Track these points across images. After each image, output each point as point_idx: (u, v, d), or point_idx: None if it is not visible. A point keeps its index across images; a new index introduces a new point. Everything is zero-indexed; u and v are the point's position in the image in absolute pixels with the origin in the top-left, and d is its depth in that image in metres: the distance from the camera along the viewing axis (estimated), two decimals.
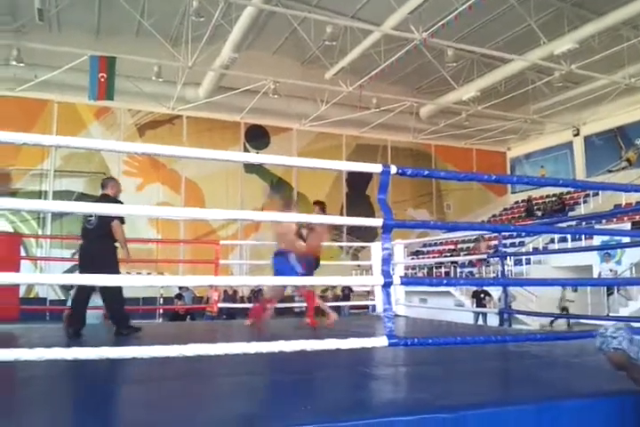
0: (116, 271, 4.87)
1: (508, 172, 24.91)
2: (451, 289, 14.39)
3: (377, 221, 2.91)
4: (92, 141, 2.60)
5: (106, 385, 2.93)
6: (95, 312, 6.68)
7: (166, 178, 18.57)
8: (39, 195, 17.24)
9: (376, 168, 2.84)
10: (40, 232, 17.02)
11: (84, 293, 4.96)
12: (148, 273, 14.00)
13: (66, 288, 12.96)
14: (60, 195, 17.29)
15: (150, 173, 18.21)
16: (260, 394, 2.70)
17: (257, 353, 2.49)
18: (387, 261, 2.91)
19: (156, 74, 14.92)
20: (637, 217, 14.11)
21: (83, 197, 17.55)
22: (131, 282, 2.77)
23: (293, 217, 3.85)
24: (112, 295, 4.89)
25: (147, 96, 17.14)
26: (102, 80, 13.83)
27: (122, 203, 5.04)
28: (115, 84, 14.04)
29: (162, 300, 14.79)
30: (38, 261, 15.78)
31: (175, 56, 14.84)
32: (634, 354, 2.37)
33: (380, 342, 2.78)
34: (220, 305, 7.79)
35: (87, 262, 4.92)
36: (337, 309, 11.81)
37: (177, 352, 2.43)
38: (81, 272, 4.81)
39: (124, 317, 5.02)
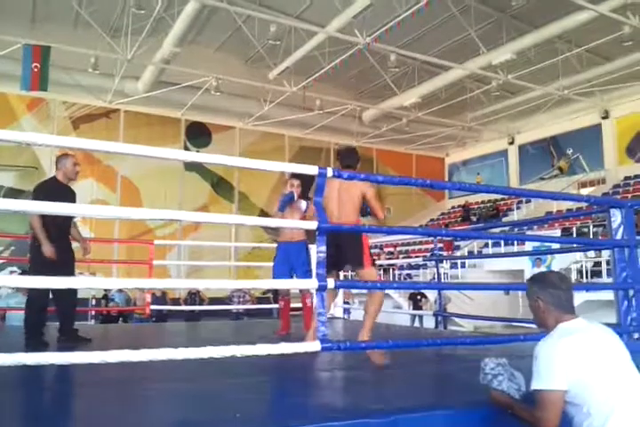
0: (34, 270, 4.16)
1: (446, 177, 25.51)
2: (390, 291, 14.56)
3: (312, 224, 2.88)
4: (25, 135, 2.43)
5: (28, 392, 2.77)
6: (19, 314, 6.42)
7: (101, 174, 17.97)
8: None
9: (312, 170, 2.80)
10: None
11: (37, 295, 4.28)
12: (80, 273, 13.52)
13: None
14: None
15: (84, 168, 17.27)
16: (188, 401, 2.61)
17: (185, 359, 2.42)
18: (321, 264, 2.88)
19: (93, 66, 14.42)
20: (567, 224, 14.67)
21: (12, 191, 16.78)
22: (67, 284, 2.63)
23: (232, 219, 3.77)
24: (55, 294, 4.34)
25: (83, 88, 16.58)
26: (36, 70, 13.23)
27: (65, 189, 4.43)
28: (49, 75, 13.48)
29: (94, 301, 14.33)
30: None
31: (114, 48, 14.40)
32: (515, 393, 2.24)
33: (313, 346, 2.75)
34: (152, 307, 7.59)
35: None
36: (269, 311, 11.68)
37: (99, 359, 2.32)
38: None
39: (27, 325, 4.28)
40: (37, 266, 4.18)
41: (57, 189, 4.37)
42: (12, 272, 15.58)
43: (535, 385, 2.03)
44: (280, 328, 5.42)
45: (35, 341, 4.12)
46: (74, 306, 4.60)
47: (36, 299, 4.27)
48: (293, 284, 3.76)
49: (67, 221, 4.41)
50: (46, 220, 4.15)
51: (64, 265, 4.23)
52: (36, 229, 4.14)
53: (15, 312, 6.24)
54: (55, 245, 4.19)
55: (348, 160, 4.09)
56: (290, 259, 5.18)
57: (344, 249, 3.62)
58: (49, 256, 4.12)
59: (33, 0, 14.75)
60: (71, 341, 4.33)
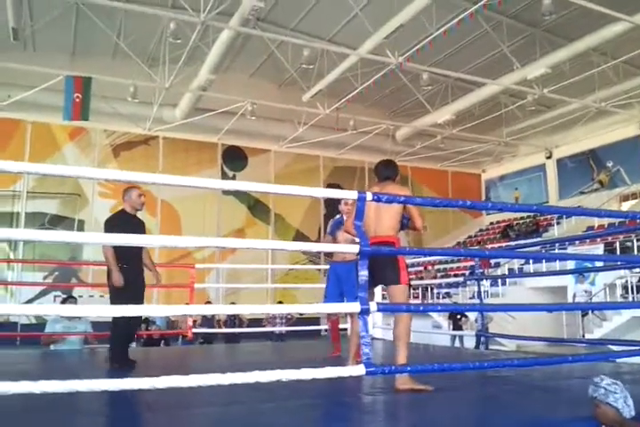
0: (114, 298, 4.54)
1: (483, 193, 25.23)
2: None
3: (353, 248, 2.89)
4: (69, 169, 2.54)
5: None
6: (75, 338, 6.59)
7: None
8: (11, 217, 16.93)
9: (352, 195, 2.83)
10: (12, 255, 16.64)
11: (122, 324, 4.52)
12: None
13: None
14: (33, 216, 17.00)
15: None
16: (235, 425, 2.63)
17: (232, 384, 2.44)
18: (363, 287, 2.88)
19: (132, 94, 14.84)
20: (610, 238, 14.31)
21: (56, 218, 17.29)
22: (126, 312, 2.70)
23: (274, 244, 3.79)
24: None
25: (122, 117, 17.05)
26: (77, 100, 13.71)
27: (133, 219, 4.83)
28: (90, 105, 13.94)
29: None
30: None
31: (152, 77, 14.82)
32: (627, 414, 2.32)
33: (358, 370, 2.74)
34: (195, 330, 7.66)
35: None
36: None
37: (149, 384, 2.36)
38: None
39: (112, 349, 4.65)
40: (112, 292, 4.55)
41: (126, 221, 4.72)
42: (55, 297, 16.00)
43: None
44: (332, 350, 5.40)
45: (122, 364, 4.44)
46: (130, 331, 4.89)
47: (119, 324, 4.51)
48: (335, 308, 3.76)
49: (136, 249, 4.66)
50: (118, 249, 4.43)
51: (134, 291, 4.51)
52: (107, 258, 4.45)
53: (62, 338, 6.42)
54: (126, 272, 4.47)
55: (387, 172, 4.00)
56: (340, 281, 5.08)
57: (381, 266, 3.43)
58: (117, 284, 4.41)
59: (73, 34, 15.34)
60: (122, 363, 4.55)
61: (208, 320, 11.64)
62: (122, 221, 4.69)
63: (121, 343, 4.65)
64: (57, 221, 17.14)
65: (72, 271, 17.18)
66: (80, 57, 16.08)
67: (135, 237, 2.71)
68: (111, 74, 14.48)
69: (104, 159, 18.09)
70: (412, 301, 16.00)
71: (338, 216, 5.36)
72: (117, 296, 4.48)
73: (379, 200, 2.96)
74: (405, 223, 3.86)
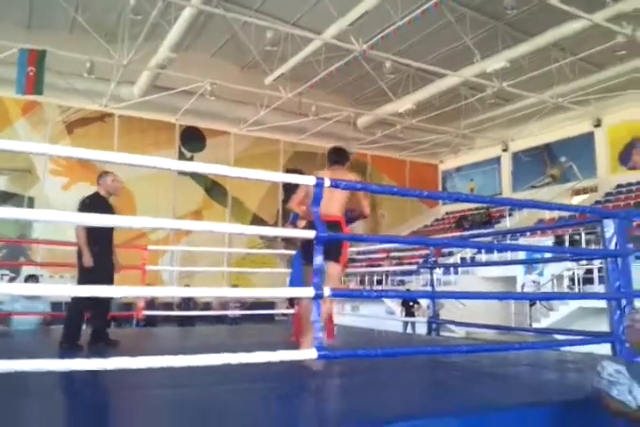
0: (82, 279, 4.59)
1: (440, 184, 25.61)
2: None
3: (310, 233, 2.90)
4: (22, 144, 2.46)
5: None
6: (33, 318, 6.48)
7: (95, 178, 17.90)
8: None
9: (310, 180, 2.83)
10: None
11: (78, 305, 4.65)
12: (72, 277, 13.41)
13: None
14: None
15: (78, 171, 17.39)
16: (180, 409, 2.62)
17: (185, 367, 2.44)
18: (317, 272, 2.91)
19: (89, 70, 14.39)
20: (560, 231, 14.77)
21: (4, 195, 16.73)
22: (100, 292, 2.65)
23: (233, 228, 3.78)
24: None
25: (78, 93, 16.53)
26: (31, 74, 13.25)
27: (106, 203, 4.89)
28: (44, 79, 13.49)
29: None
30: None
31: (110, 53, 14.40)
32: (634, 405, 2.18)
33: (310, 354, 2.78)
34: (146, 312, 7.58)
35: None
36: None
37: (98, 366, 2.34)
38: None
39: (67, 329, 4.61)
40: (81, 273, 4.62)
41: (101, 204, 4.81)
42: (3, 276, 15.57)
43: None
44: (293, 334, 5.38)
45: (72, 345, 4.44)
46: (108, 312, 5.06)
47: (77, 305, 4.63)
48: (289, 292, 3.78)
49: (107, 232, 4.78)
50: (89, 231, 4.54)
51: (102, 273, 4.59)
52: (79, 240, 4.53)
53: (20, 317, 6.32)
54: (96, 254, 4.57)
55: (335, 157, 4.24)
56: None
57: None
58: (86, 264, 4.50)
59: (29, 5, 14.75)
60: (105, 344, 4.69)
61: (147, 302, 11.23)
62: (98, 204, 4.75)
63: (77, 324, 4.66)
64: (6, 198, 16.58)
65: (21, 249, 16.71)
66: (36, 30, 15.46)
67: (100, 217, 2.65)
68: (68, 48, 14.02)
69: (57, 136, 17.53)
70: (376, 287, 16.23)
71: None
72: (85, 277, 4.53)
73: (336, 186, 2.98)
74: (350, 216, 4.05)
